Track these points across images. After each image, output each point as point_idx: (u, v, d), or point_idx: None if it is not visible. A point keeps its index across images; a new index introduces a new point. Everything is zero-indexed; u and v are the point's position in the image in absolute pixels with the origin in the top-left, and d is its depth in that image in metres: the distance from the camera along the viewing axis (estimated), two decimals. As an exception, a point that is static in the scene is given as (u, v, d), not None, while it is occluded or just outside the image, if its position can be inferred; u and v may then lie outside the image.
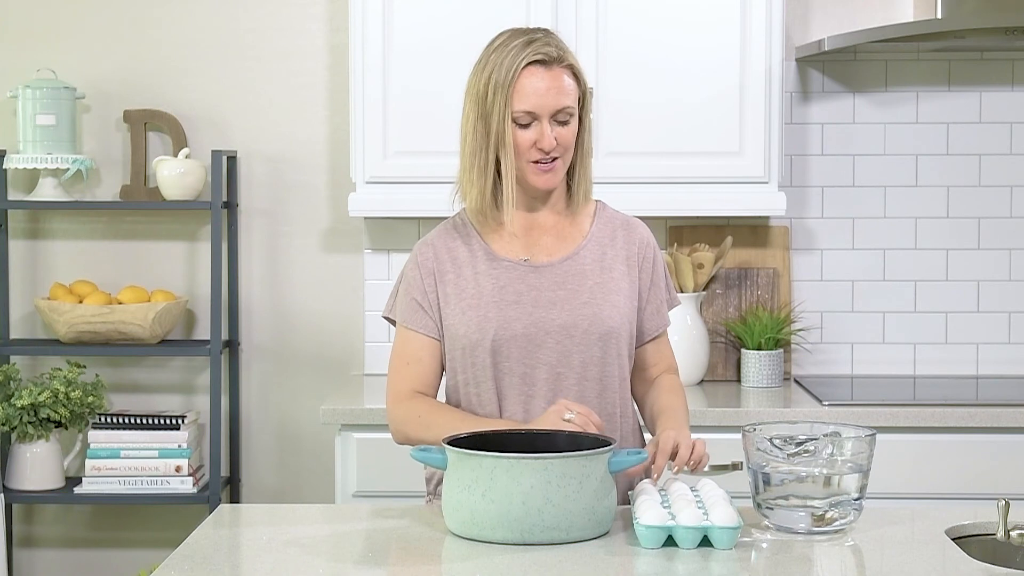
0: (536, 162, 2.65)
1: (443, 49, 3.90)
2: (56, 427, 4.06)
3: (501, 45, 2.65)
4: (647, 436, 2.81)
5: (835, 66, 4.21)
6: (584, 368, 2.68)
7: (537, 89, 2.61)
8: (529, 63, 2.61)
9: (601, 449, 2.37)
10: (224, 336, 4.22)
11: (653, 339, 2.80)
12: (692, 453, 2.56)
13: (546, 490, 2.31)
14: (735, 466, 3.42)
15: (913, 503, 3.58)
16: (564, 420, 2.54)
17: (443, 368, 2.76)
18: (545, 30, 2.68)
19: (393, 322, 2.79)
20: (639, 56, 3.92)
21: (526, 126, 2.63)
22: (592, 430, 2.52)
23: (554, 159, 2.65)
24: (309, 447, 4.28)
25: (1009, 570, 2.20)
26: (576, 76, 2.65)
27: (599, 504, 2.35)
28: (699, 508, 2.38)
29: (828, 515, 2.41)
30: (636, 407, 2.83)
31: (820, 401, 3.78)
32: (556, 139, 2.63)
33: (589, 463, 2.34)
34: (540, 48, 2.61)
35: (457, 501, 2.37)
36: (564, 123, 2.64)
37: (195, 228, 4.27)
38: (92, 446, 4.04)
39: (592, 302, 2.69)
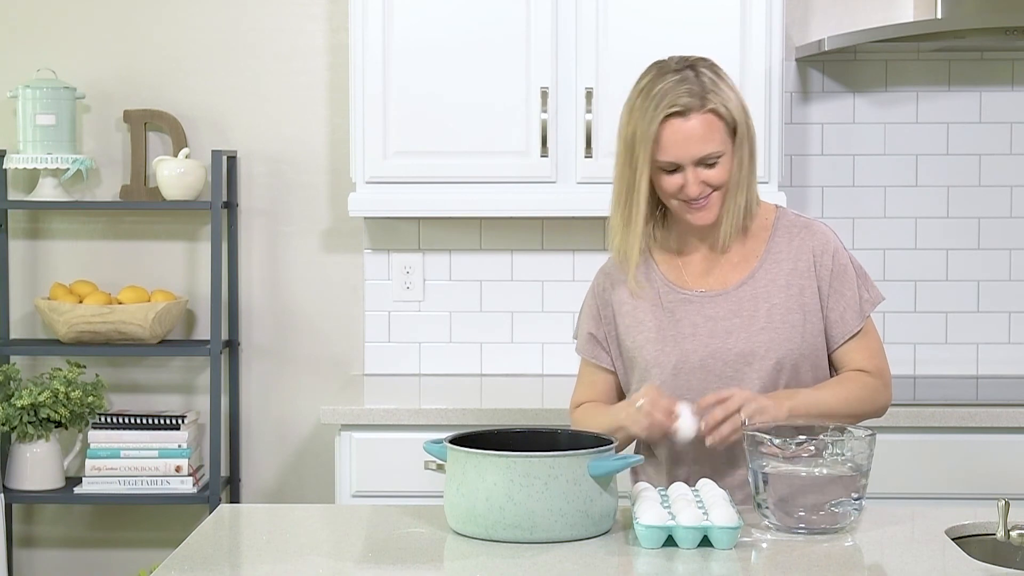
0: (687, 202, 2.64)
1: (443, 49, 3.90)
2: (56, 427, 4.06)
3: (646, 89, 2.62)
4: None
5: (835, 66, 4.21)
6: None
7: (677, 141, 2.58)
8: (667, 116, 2.58)
9: (572, 451, 2.34)
10: (224, 336, 4.22)
11: (843, 344, 2.73)
12: (716, 427, 2.53)
13: (508, 488, 2.30)
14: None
15: (913, 503, 3.58)
16: (635, 408, 2.56)
17: (618, 389, 2.79)
18: (693, 64, 2.63)
19: None
20: (639, 56, 3.88)
21: (672, 172, 2.61)
22: (658, 416, 2.53)
23: (707, 195, 2.63)
24: (309, 447, 4.28)
25: (1009, 570, 2.20)
26: (722, 116, 2.60)
27: (569, 506, 2.32)
28: (699, 508, 2.38)
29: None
30: None
31: (820, 401, 3.78)
32: (704, 181, 2.61)
33: (557, 464, 2.32)
34: (678, 99, 2.58)
35: (446, 494, 2.41)
36: (712, 165, 2.61)
37: (195, 228, 4.27)
38: (92, 446, 4.04)
39: (769, 327, 2.66)
